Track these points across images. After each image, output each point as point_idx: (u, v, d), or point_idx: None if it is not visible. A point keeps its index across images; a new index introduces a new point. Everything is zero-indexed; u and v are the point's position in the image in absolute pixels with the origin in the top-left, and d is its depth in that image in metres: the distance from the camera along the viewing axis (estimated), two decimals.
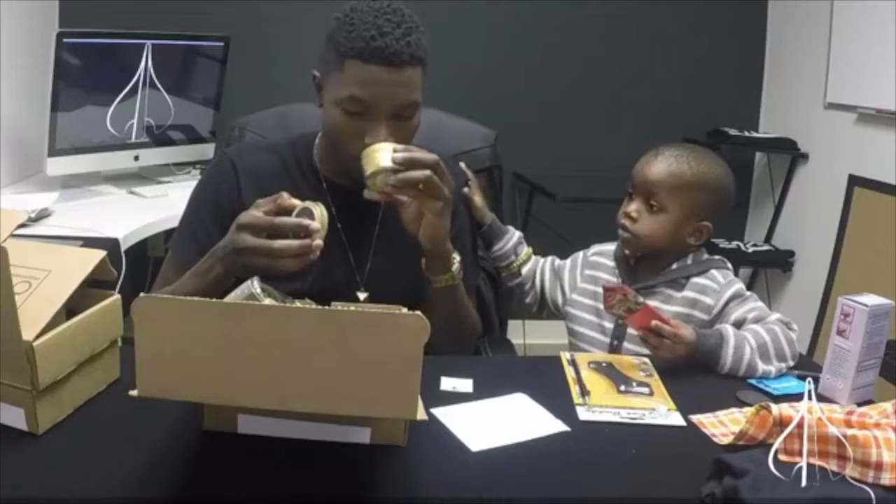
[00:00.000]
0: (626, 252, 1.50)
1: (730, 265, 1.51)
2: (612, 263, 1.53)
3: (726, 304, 1.41)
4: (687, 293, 1.44)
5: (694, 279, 1.45)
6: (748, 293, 1.44)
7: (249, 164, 1.35)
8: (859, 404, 1.11)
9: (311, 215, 1.13)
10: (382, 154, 1.17)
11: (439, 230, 1.24)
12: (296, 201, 1.14)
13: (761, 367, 1.27)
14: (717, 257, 1.51)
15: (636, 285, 1.44)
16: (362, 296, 1.34)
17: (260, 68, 3.00)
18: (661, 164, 1.44)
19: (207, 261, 1.20)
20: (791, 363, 1.31)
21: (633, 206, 1.45)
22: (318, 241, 1.11)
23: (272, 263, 1.11)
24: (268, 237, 1.11)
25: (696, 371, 1.26)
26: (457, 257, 1.32)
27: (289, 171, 1.35)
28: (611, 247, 1.56)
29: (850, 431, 0.90)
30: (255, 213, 1.14)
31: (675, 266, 1.46)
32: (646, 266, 1.49)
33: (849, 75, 2.90)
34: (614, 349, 1.47)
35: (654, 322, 1.27)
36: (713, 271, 1.46)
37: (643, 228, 1.44)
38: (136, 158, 2.61)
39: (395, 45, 1.17)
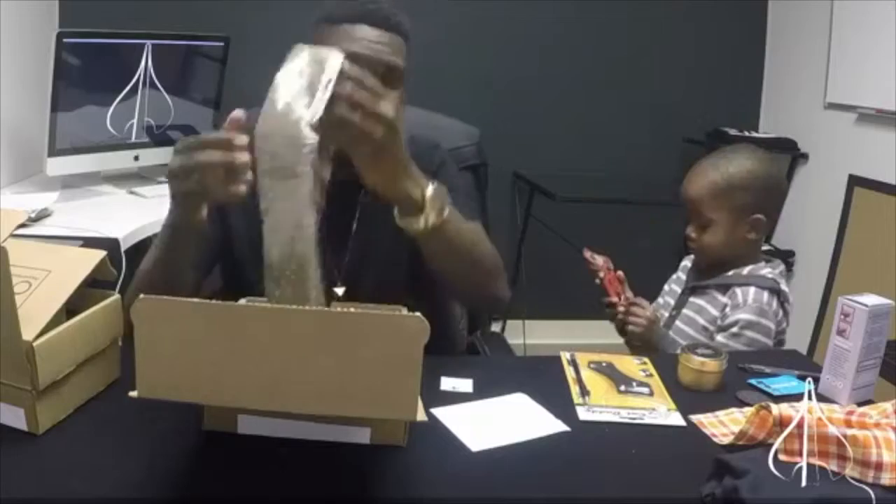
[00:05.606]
0: (701, 264, 1.63)
1: (781, 285, 1.52)
2: (684, 274, 1.69)
3: (728, 327, 1.48)
4: (726, 299, 1.51)
5: (735, 288, 1.50)
6: (752, 327, 1.47)
7: None
8: (859, 404, 1.11)
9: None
10: None
11: (383, 174, 1.06)
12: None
13: None
14: (770, 277, 1.52)
15: (692, 284, 1.60)
16: (339, 291, 1.31)
17: (260, 68, 2.97)
18: (696, 180, 1.52)
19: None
20: None
21: (689, 228, 1.56)
22: (243, 158, 0.96)
23: (203, 183, 0.98)
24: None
25: None
26: (430, 189, 1.10)
27: None
28: (687, 262, 1.71)
29: (850, 431, 0.90)
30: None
31: (730, 273, 1.55)
32: (711, 269, 1.59)
33: (849, 75, 2.89)
34: (672, 317, 1.62)
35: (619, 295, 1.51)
36: (751, 288, 1.50)
37: (703, 243, 1.54)
38: (136, 158, 2.60)
39: None
